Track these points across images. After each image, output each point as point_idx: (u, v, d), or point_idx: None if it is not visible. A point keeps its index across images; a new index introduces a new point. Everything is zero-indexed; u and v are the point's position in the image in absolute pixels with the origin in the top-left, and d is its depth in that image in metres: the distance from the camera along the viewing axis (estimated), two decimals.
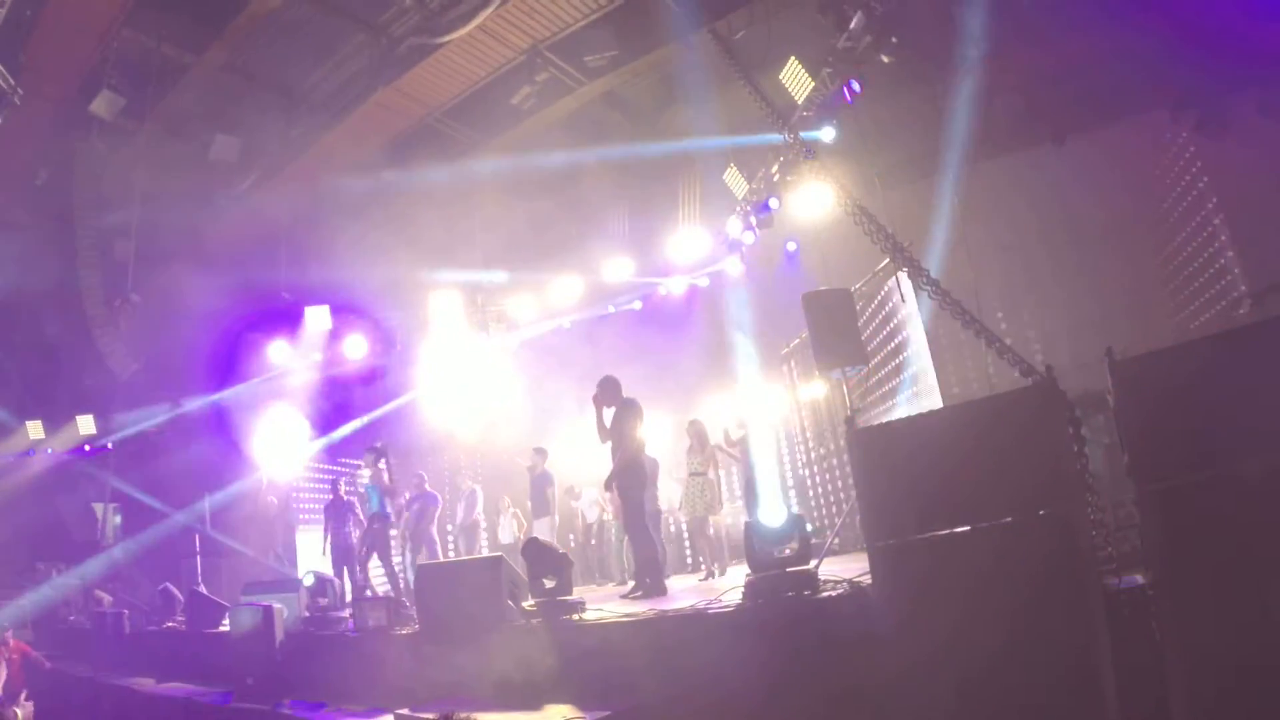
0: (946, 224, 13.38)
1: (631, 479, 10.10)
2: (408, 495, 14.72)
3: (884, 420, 10.98)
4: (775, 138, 12.24)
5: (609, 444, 10.20)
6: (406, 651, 8.53)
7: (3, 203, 16.44)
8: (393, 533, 13.56)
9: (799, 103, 11.53)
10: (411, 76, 13.60)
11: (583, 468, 15.23)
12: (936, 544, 5.79)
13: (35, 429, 18.53)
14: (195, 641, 11.35)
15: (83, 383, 17.96)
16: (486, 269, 17.36)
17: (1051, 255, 13.84)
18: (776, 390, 15.66)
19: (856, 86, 11.26)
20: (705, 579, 11.42)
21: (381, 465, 13.30)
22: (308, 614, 10.29)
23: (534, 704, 6.81)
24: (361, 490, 13.47)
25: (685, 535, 15.37)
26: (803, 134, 11.45)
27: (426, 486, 14.71)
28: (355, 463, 18.44)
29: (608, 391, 10.29)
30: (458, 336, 17.41)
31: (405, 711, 7.49)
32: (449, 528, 16.79)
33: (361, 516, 13.98)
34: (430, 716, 6.49)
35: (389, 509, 13.35)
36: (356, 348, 17.27)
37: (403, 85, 13.78)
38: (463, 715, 1.69)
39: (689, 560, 13.93)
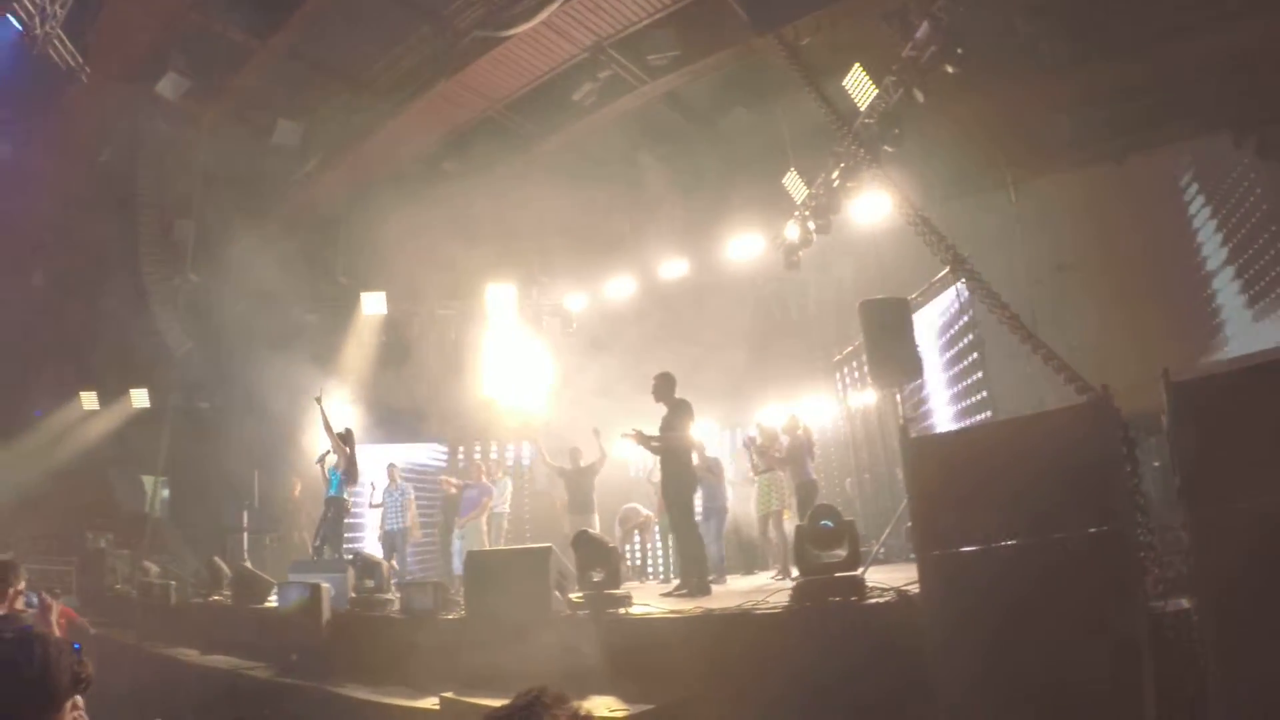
0: (1003, 238, 13.32)
1: (681, 478, 10.15)
2: (463, 483, 14.90)
3: (936, 431, 10.99)
4: (835, 144, 12.29)
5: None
6: (452, 636, 8.61)
7: (66, 179, 16.73)
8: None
9: (861, 110, 11.52)
10: (474, 69, 13.62)
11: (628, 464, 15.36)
12: (986, 556, 5.74)
13: (89, 400, 18.92)
14: (241, 616, 11.51)
15: (138, 357, 18.26)
16: (542, 263, 17.53)
17: (1106, 274, 13.71)
18: (826, 396, 15.70)
19: (920, 96, 11.23)
20: (778, 577, 11.40)
21: (345, 450, 13.22)
22: (354, 595, 10.41)
23: (578, 695, 6.78)
24: (325, 474, 13.41)
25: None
26: (864, 141, 11.44)
27: (483, 477, 14.86)
28: (406, 447, 18.70)
29: (663, 387, 10.35)
30: (512, 328, 17.61)
31: (450, 694, 7.59)
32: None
33: (412, 499, 14.21)
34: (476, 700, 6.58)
35: (346, 494, 13.23)
36: (410, 333, 17.51)
37: (465, 77, 13.82)
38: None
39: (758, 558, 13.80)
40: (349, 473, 13.12)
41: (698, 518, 11.54)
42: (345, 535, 13.61)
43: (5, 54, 13.41)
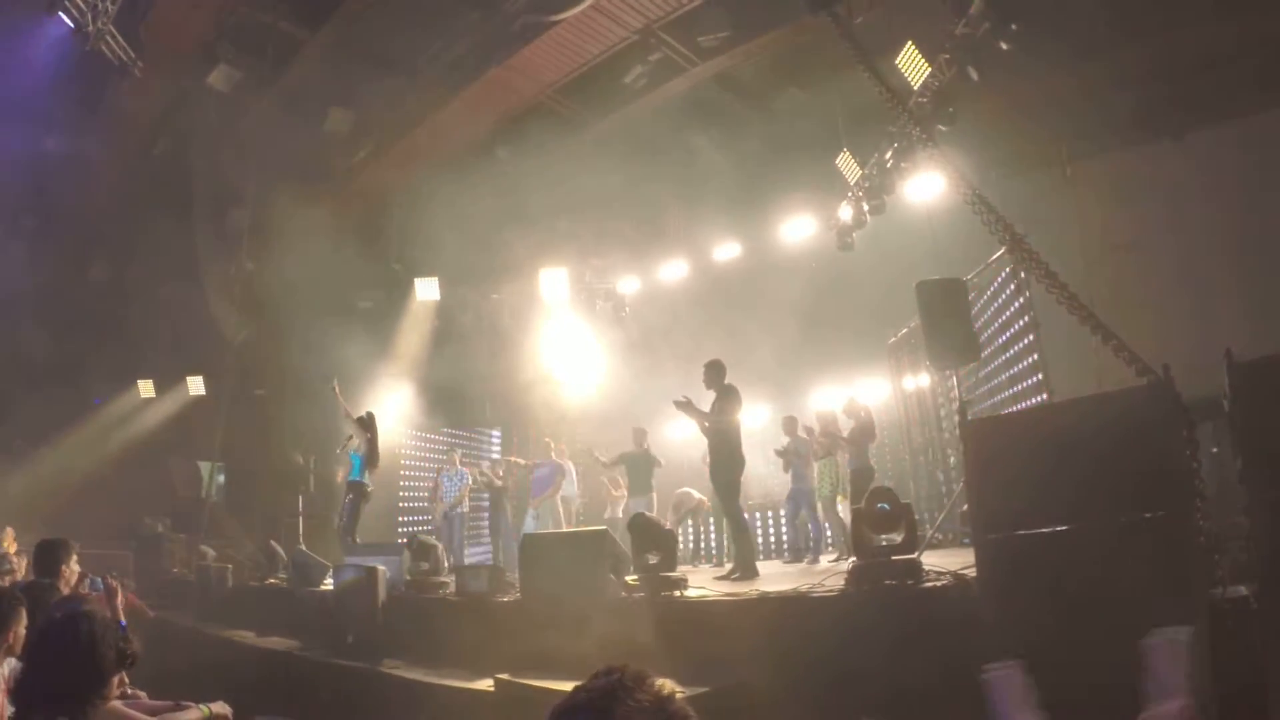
0: (1059, 217, 13.08)
1: (729, 463, 10.12)
2: (533, 462, 15.00)
3: (993, 414, 10.83)
4: (890, 124, 12.14)
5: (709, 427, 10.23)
6: (506, 619, 8.63)
7: (122, 172, 16.99)
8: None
9: (915, 89, 11.35)
10: (524, 54, 13.61)
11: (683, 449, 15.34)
12: (1043, 540, 5.67)
13: (146, 388, 19.23)
14: (297, 598, 11.62)
15: (194, 345, 18.53)
16: (594, 247, 17.53)
17: (1167, 253, 13.43)
18: (880, 378, 15.57)
19: (974, 74, 11.05)
20: (836, 559, 11.40)
21: (367, 435, 13.28)
22: (409, 577, 10.48)
23: None
24: (348, 459, 13.51)
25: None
26: (918, 120, 11.27)
27: (553, 455, 14.92)
28: (461, 432, 18.84)
29: (712, 374, 10.36)
30: (566, 312, 17.65)
31: (505, 676, 7.60)
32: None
33: (471, 484, 14.34)
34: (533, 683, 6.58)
35: (367, 479, 13.28)
36: (463, 318, 17.64)
37: (515, 63, 13.81)
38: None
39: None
40: (370, 457, 13.18)
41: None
42: (402, 519, 13.72)
43: (58, 51, 13.64)
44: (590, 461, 15.10)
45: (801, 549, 12.81)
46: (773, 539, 16.10)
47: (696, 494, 14.12)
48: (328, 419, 14.75)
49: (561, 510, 14.62)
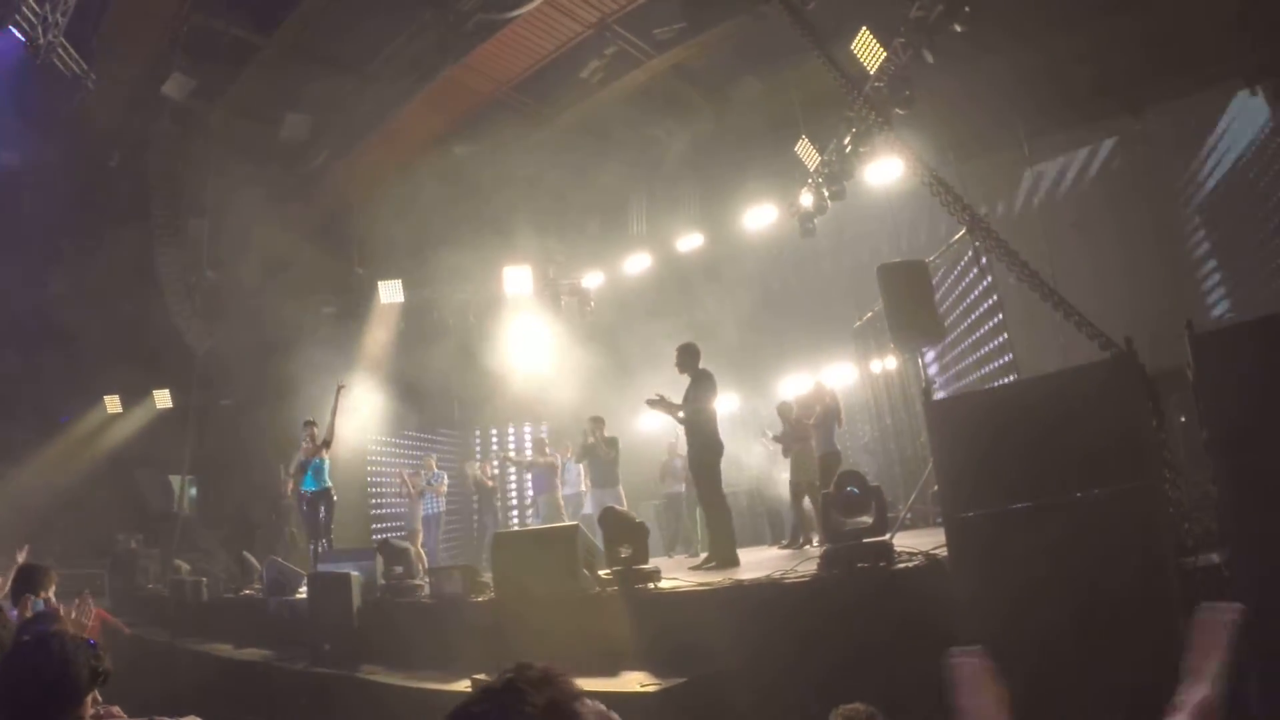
0: (1019, 196, 13.18)
1: (708, 449, 10.08)
2: (528, 460, 14.99)
3: (960, 393, 10.90)
4: (847, 110, 12.17)
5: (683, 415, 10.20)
6: (482, 619, 8.61)
7: (78, 185, 16.80)
8: None
9: (871, 74, 11.39)
10: (479, 52, 13.56)
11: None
12: (1014, 517, 5.69)
13: (113, 404, 19.02)
14: (272, 608, 11.53)
15: (159, 358, 18.34)
16: (557, 243, 17.49)
17: (1127, 229, 13.55)
18: (846, 363, 15.63)
19: (929, 57, 11.09)
20: (804, 545, 11.40)
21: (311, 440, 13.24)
22: (384, 582, 10.42)
23: (610, 671, 6.83)
24: (294, 468, 13.47)
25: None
26: (875, 105, 11.30)
27: (544, 455, 14.85)
28: (432, 437, 18.77)
29: (686, 358, 10.28)
30: (530, 309, 17.61)
31: (482, 677, 7.56)
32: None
33: (440, 490, 14.33)
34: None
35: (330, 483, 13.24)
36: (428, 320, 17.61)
37: (471, 61, 13.76)
38: (538, 670, 1.49)
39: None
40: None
41: None
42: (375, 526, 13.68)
43: (9, 65, 13.47)
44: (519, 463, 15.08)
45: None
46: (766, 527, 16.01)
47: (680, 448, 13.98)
48: (296, 427, 14.57)
49: (562, 506, 14.52)
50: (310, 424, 13.27)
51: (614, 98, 14.64)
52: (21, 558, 9.98)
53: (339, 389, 13.30)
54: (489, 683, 1.60)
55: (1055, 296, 7.39)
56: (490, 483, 16.08)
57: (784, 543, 12.46)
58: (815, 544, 11.14)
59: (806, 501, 12.00)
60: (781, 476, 13.20)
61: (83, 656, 3.09)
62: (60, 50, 13.44)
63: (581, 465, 14.24)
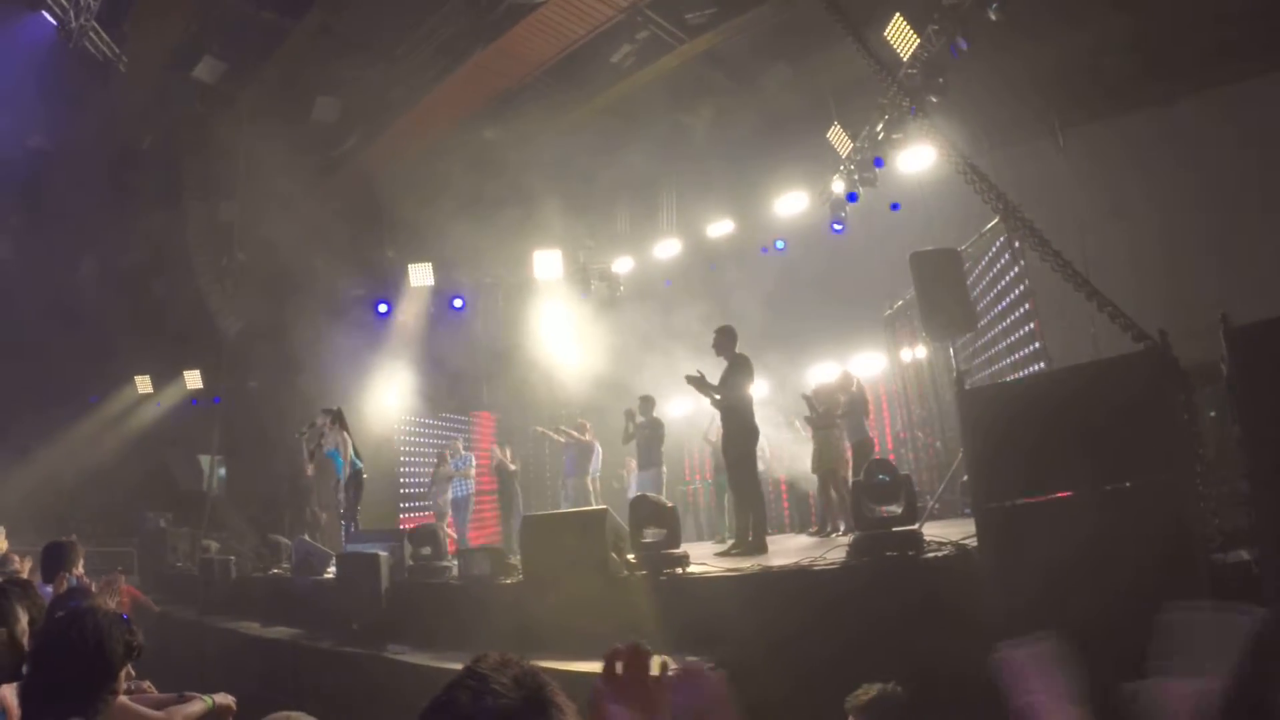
0: (1053, 186, 13.03)
1: (743, 434, 9.97)
2: (563, 439, 15.02)
3: (990, 383, 10.82)
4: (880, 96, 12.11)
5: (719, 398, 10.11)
6: (510, 601, 8.63)
7: (110, 168, 16.92)
8: None
9: (904, 60, 11.31)
10: (510, 36, 13.49)
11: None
12: (1044, 508, 5.70)
13: (144, 384, 19.22)
14: (301, 587, 11.61)
15: (190, 339, 18.50)
16: (587, 227, 17.47)
17: (1163, 220, 13.40)
18: (876, 352, 15.56)
19: (963, 44, 11.00)
20: (831, 534, 11.33)
21: (328, 428, 13.58)
22: (412, 563, 10.47)
23: None
24: (321, 454, 13.75)
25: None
26: (908, 92, 11.22)
27: (585, 435, 14.85)
28: (460, 418, 18.82)
29: (724, 341, 10.11)
30: (561, 294, 17.61)
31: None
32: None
33: (468, 473, 14.43)
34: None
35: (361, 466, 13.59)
36: (459, 304, 17.68)
37: (502, 45, 13.69)
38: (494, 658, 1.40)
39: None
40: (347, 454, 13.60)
41: None
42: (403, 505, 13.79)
43: (43, 50, 13.59)
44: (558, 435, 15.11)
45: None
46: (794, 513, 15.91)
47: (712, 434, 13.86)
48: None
49: (591, 489, 14.51)
50: (327, 412, 13.49)
51: (645, 83, 14.58)
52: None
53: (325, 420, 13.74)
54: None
55: (1089, 287, 7.33)
56: (513, 465, 16.09)
57: (812, 530, 12.41)
58: (841, 531, 11.10)
59: (831, 490, 11.95)
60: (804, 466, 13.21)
61: (118, 631, 3.12)
62: (92, 34, 13.56)
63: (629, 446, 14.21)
